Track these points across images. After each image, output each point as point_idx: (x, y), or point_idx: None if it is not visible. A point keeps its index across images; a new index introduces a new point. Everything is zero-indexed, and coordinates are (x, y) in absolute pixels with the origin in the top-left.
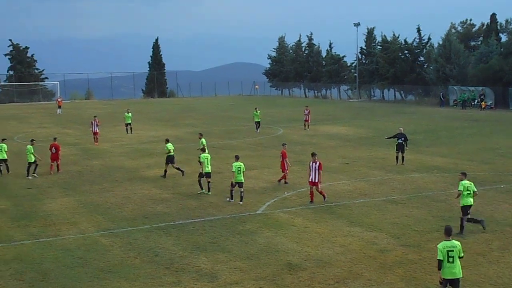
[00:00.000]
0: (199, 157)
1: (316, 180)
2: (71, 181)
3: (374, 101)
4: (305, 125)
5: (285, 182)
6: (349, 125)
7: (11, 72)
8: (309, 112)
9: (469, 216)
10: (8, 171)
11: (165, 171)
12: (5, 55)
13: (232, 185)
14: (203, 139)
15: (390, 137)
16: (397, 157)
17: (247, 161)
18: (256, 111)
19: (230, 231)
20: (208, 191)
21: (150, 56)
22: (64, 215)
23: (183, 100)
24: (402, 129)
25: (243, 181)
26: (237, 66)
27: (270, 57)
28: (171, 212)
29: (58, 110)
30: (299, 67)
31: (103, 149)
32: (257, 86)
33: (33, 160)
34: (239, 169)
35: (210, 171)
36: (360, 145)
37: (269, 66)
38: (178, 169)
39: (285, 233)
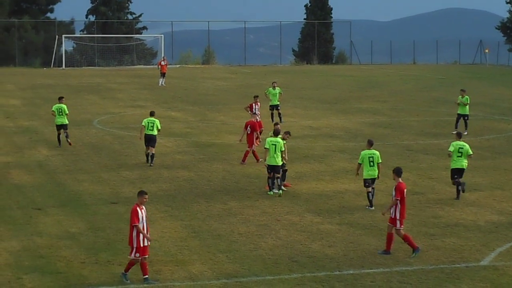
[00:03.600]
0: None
1: None
2: (177, 195)
3: None
4: None
5: None
6: None
7: (91, 18)
8: None
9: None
10: (68, 141)
11: None
12: None
13: (367, 184)
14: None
15: None
16: None
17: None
18: (463, 96)
19: None
20: (279, 189)
21: None
22: (166, 249)
23: (360, 69)
24: None
25: (376, 176)
26: (449, 14)
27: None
28: (336, 254)
29: (161, 80)
30: None
31: (229, 146)
32: (487, 50)
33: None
34: (371, 159)
35: (277, 164)
36: None
37: (507, 15)
38: None
39: None
